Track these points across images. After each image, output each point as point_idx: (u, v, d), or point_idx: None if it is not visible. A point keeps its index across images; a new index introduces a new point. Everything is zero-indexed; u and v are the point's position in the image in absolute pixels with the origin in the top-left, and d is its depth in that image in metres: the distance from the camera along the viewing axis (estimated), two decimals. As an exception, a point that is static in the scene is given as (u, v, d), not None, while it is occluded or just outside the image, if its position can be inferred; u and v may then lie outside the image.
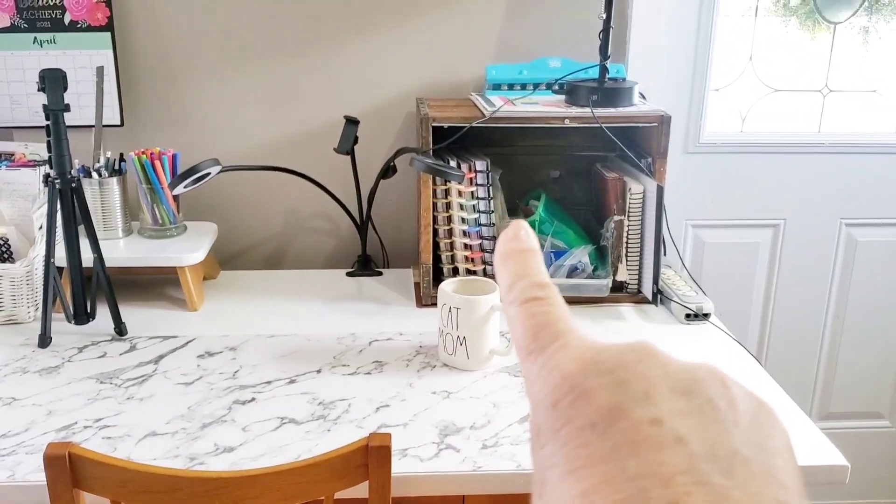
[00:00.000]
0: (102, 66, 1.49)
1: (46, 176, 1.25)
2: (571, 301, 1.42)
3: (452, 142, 1.37)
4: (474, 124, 1.34)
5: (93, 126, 1.49)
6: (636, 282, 1.44)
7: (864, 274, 1.87)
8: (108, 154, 1.47)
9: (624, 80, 1.47)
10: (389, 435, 0.88)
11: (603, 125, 1.34)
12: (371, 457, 0.87)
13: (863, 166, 1.79)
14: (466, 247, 1.44)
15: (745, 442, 0.23)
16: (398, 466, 0.95)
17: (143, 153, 1.44)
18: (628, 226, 1.40)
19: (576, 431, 0.23)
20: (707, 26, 1.68)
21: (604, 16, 1.37)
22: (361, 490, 0.90)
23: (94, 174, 1.43)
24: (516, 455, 0.98)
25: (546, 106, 1.39)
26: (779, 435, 0.24)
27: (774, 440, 0.24)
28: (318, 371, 1.19)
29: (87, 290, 1.31)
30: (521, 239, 0.30)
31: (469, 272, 1.45)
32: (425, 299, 1.43)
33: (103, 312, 1.31)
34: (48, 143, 1.22)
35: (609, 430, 0.22)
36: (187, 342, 1.28)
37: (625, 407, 0.23)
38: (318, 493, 0.87)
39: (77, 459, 0.83)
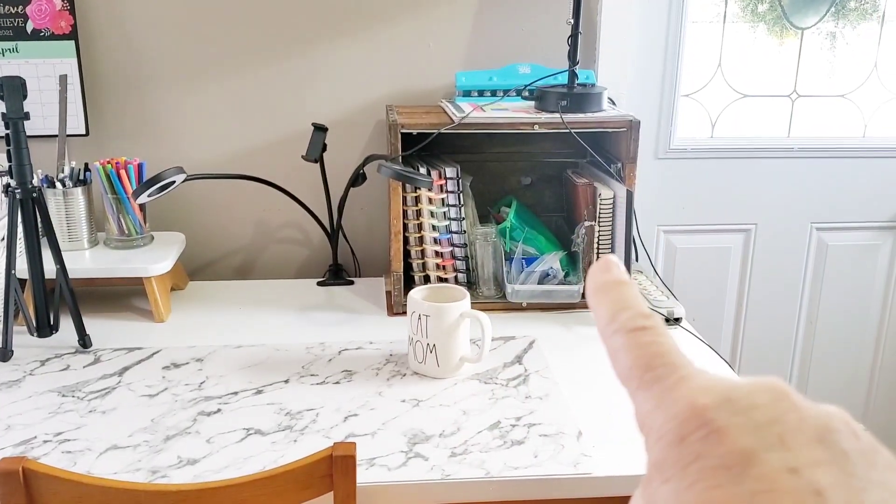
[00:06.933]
0: (66, 75, 1.47)
1: (7, 186, 1.22)
2: (543, 307, 1.42)
3: (422, 149, 1.37)
4: (443, 130, 1.33)
5: (57, 136, 1.46)
6: (608, 287, 1.43)
7: (835, 277, 1.88)
8: (73, 164, 1.44)
9: (593, 85, 1.47)
10: (354, 444, 0.87)
11: (572, 130, 1.34)
12: (335, 467, 0.85)
13: (832, 171, 1.80)
14: (437, 254, 1.43)
15: (881, 503, 0.22)
16: (365, 476, 0.94)
17: (108, 163, 1.41)
18: (599, 231, 1.40)
19: (708, 471, 0.22)
20: (676, 32, 1.68)
21: (572, 21, 1.37)
22: (326, 501, 0.88)
23: (59, 184, 1.41)
24: (485, 462, 0.97)
25: (515, 112, 1.38)
26: None
27: None
28: (286, 381, 1.17)
29: (50, 302, 1.28)
30: (613, 272, 0.30)
31: (440, 280, 1.44)
32: (396, 308, 1.41)
33: (67, 325, 1.29)
34: (8, 152, 1.20)
35: (744, 475, 0.22)
36: (153, 354, 1.26)
37: (760, 452, 0.22)
38: (282, 505, 0.85)
39: (31, 474, 0.81)
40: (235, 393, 1.14)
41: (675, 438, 0.24)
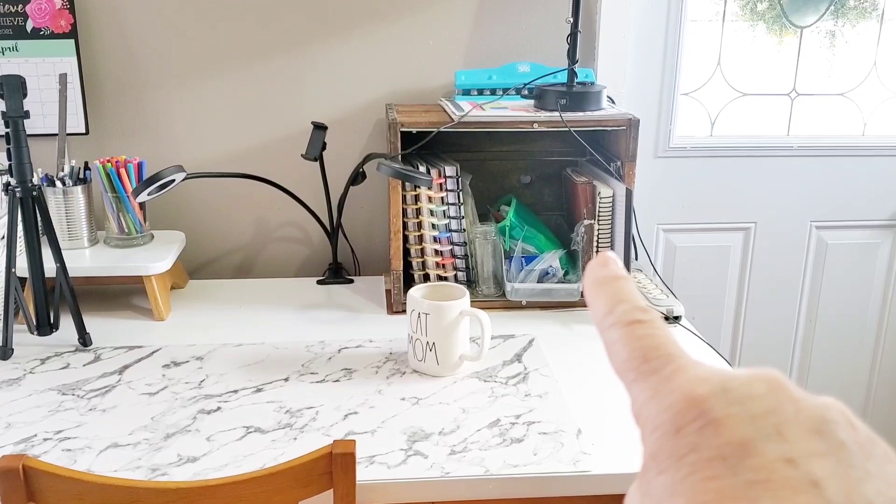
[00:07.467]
0: (65, 74, 1.47)
1: (7, 184, 1.22)
2: (542, 306, 1.42)
3: (422, 147, 1.37)
4: (443, 129, 1.33)
5: (57, 134, 1.46)
6: (607, 286, 1.43)
7: (834, 276, 1.88)
8: (73, 163, 1.44)
9: (593, 84, 1.47)
10: (353, 442, 0.87)
11: (572, 129, 1.34)
12: (335, 464, 0.85)
13: (831, 169, 1.80)
14: (437, 253, 1.43)
15: (878, 494, 0.22)
16: (365, 474, 0.94)
17: (108, 161, 1.42)
18: (598, 230, 1.40)
19: (704, 462, 0.22)
20: (675, 31, 1.68)
21: (571, 20, 1.37)
22: (326, 498, 0.88)
23: (59, 183, 1.41)
24: (485, 460, 0.97)
25: (515, 111, 1.39)
26: None
27: None
28: (286, 379, 1.17)
29: (50, 300, 1.28)
30: (611, 267, 0.30)
31: (440, 278, 1.44)
32: (396, 306, 1.42)
33: (67, 323, 1.29)
34: (8, 150, 1.20)
35: (741, 466, 0.22)
36: (153, 352, 1.26)
37: (757, 443, 0.22)
38: (282, 503, 0.85)
39: (31, 472, 0.81)
40: (235, 391, 1.14)
41: (671, 429, 0.24)
